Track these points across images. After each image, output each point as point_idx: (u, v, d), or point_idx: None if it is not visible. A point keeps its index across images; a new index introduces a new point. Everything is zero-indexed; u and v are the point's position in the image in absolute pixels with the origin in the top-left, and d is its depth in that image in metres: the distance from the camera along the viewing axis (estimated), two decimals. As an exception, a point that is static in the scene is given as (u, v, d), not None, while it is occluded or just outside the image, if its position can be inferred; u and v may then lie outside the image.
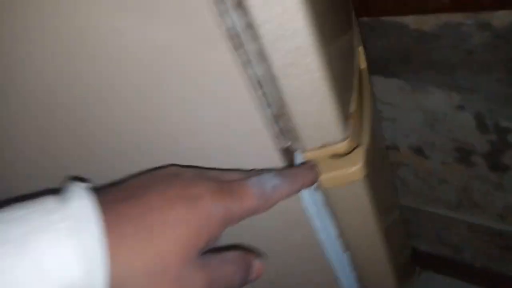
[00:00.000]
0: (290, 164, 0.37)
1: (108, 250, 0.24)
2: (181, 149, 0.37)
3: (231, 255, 0.31)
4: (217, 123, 0.35)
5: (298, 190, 0.35)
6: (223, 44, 0.29)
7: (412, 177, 1.04)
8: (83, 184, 0.28)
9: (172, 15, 0.29)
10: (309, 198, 0.39)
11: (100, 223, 0.24)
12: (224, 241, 0.33)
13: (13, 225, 0.23)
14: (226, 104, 0.34)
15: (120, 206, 0.27)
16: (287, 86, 0.32)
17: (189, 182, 0.30)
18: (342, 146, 0.35)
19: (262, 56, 0.30)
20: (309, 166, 0.36)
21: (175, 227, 0.27)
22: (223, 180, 0.32)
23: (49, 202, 0.25)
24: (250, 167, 0.37)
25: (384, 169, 0.73)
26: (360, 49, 0.47)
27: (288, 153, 0.36)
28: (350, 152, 0.37)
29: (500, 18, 0.70)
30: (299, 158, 0.37)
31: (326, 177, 0.36)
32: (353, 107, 0.37)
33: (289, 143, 0.36)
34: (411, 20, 0.78)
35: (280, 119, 0.34)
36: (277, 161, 0.36)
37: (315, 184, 0.37)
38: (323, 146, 0.35)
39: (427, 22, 0.77)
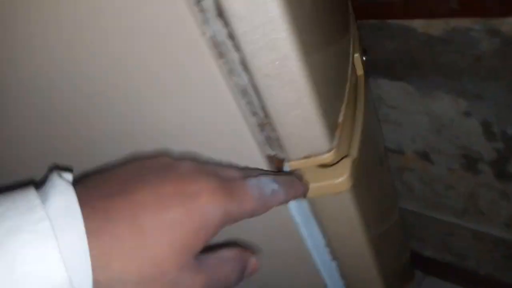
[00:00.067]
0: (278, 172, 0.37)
1: (95, 252, 0.22)
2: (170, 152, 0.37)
3: (228, 254, 0.29)
4: (203, 128, 0.35)
5: (294, 199, 0.34)
6: (207, 53, 0.29)
7: (417, 182, 1.02)
8: (65, 176, 0.26)
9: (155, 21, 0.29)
10: (296, 207, 0.39)
11: (82, 223, 0.22)
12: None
13: None
14: (212, 111, 0.33)
15: (108, 204, 0.24)
16: (270, 96, 0.31)
17: (186, 177, 0.27)
18: (328, 157, 0.35)
19: (245, 65, 0.30)
20: (300, 176, 0.35)
21: (171, 229, 0.25)
22: (222, 176, 0.29)
23: (28, 198, 0.23)
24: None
25: (380, 175, 0.72)
26: (357, 56, 0.46)
27: (274, 161, 0.36)
28: (337, 163, 0.36)
29: (509, 24, 0.68)
30: (286, 167, 0.37)
31: (312, 186, 0.36)
32: (341, 117, 0.37)
33: (274, 152, 0.36)
34: (419, 24, 0.77)
35: (265, 128, 0.34)
36: (264, 168, 0.36)
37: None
38: (308, 156, 0.35)
39: (435, 27, 0.76)
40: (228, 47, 0.30)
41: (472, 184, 0.93)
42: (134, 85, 0.33)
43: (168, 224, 0.25)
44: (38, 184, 0.25)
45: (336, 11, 0.42)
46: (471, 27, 0.72)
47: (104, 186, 0.26)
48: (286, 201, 0.32)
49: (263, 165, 0.36)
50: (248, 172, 0.33)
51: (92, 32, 0.30)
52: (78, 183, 0.26)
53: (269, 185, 0.31)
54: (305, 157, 0.35)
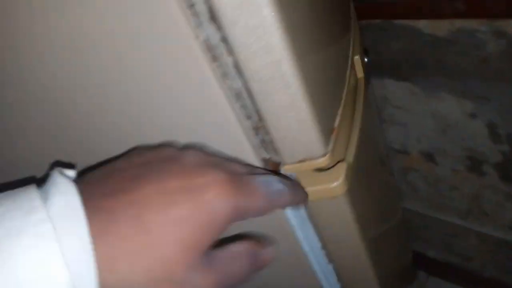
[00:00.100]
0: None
1: (100, 255, 0.21)
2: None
3: (239, 249, 0.28)
4: (197, 130, 0.35)
5: (297, 203, 0.32)
6: (201, 56, 0.29)
7: (421, 183, 1.02)
8: (68, 173, 0.25)
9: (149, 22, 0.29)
10: (292, 210, 0.39)
11: (86, 225, 0.21)
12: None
13: None
14: (207, 113, 0.33)
15: (111, 202, 0.23)
16: (263, 100, 0.31)
17: (192, 169, 0.26)
18: (323, 161, 0.35)
19: (239, 69, 0.30)
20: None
21: (177, 227, 0.24)
22: (228, 169, 0.28)
23: (29, 198, 0.22)
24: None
25: (381, 176, 0.72)
26: (358, 58, 0.46)
27: (269, 164, 0.36)
28: (333, 167, 0.36)
29: (516, 26, 0.67)
30: (282, 171, 0.37)
31: (308, 190, 0.36)
32: (338, 121, 0.37)
33: (269, 156, 0.36)
34: (424, 24, 0.76)
35: (260, 131, 0.34)
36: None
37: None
38: (302, 160, 0.35)
39: (441, 27, 0.75)
40: (221, 50, 0.29)
41: (477, 186, 0.92)
42: (129, 87, 0.33)
43: (174, 222, 0.24)
44: (40, 181, 0.24)
45: (336, 12, 0.42)
46: (477, 28, 0.71)
47: (106, 182, 0.25)
48: (290, 204, 0.31)
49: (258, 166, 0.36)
50: (253, 169, 0.32)
51: (84, 38, 0.30)
52: (79, 180, 0.25)
53: (275, 184, 0.29)
54: (300, 161, 0.35)
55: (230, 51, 0.29)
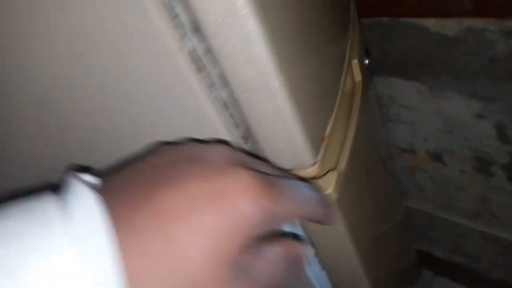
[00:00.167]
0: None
1: (125, 274, 0.20)
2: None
3: (274, 253, 0.26)
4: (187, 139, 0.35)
5: (323, 215, 0.28)
6: (186, 67, 0.29)
7: (428, 183, 1.01)
8: (86, 179, 0.23)
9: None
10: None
11: (113, 240, 0.20)
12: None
13: (2, 242, 0.18)
14: (196, 123, 0.33)
15: (132, 213, 0.22)
16: (249, 111, 0.31)
17: (216, 170, 0.24)
18: (312, 171, 0.34)
19: (224, 80, 0.30)
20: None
21: (202, 236, 0.22)
22: (257, 169, 0.25)
23: (48, 208, 0.20)
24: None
25: (382, 176, 0.71)
26: (356, 61, 0.45)
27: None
28: (323, 175, 0.36)
29: (526, 25, 0.66)
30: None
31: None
32: (329, 129, 0.36)
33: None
34: (432, 23, 0.75)
35: (249, 140, 0.34)
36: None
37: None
38: (292, 169, 0.34)
39: (449, 26, 0.74)
40: (206, 61, 0.29)
41: (485, 187, 0.91)
42: (119, 98, 0.33)
43: (197, 230, 0.22)
44: (55, 187, 0.23)
45: (331, 15, 0.41)
46: (485, 28, 0.69)
47: (125, 189, 0.23)
48: (318, 214, 0.28)
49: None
50: (282, 171, 0.29)
51: (84, 38, 0.30)
52: (97, 186, 0.23)
53: (303, 189, 0.27)
54: (289, 171, 0.35)
55: (215, 62, 0.29)
